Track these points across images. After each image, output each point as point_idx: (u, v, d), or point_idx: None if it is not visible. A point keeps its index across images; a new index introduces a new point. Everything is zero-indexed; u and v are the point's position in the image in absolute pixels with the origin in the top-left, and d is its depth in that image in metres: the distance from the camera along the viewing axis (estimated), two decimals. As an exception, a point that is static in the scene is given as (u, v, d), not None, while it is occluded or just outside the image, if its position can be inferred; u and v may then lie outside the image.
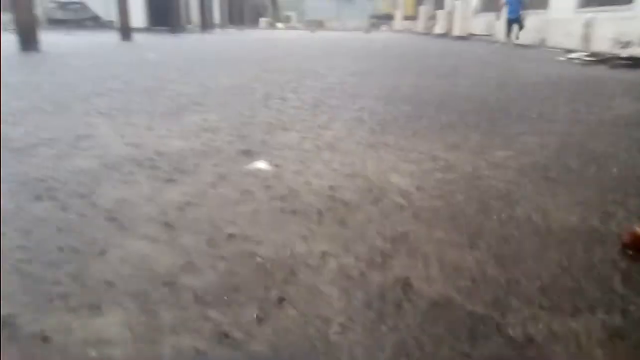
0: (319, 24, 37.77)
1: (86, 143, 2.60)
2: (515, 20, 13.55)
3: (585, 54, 8.56)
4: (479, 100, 4.26)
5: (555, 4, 14.16)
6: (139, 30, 17.43)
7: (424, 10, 25.18)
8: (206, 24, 24.02)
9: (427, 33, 23.33)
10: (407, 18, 34.20)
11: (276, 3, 43.68)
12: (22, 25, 9.15)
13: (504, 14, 14.16)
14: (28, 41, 9.08)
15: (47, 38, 9.90)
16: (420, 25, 25.05)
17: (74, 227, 1.52)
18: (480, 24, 19.50)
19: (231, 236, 1.47)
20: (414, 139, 2.76)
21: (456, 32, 18.37)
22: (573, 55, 8.70)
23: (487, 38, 17.10)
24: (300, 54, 10.29)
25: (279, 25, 38.17)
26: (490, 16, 18.15)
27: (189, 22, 23.46)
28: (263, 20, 36.24)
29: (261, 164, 2.16)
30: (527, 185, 1.99)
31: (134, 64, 7.43)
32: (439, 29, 20.93)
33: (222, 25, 28.94)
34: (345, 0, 44.51)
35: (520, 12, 13.40)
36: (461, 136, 2.86)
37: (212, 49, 11.38)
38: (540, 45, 13.68)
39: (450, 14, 20.08)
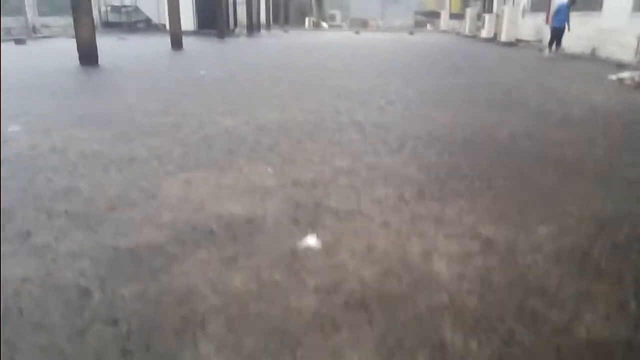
0: (363, 23, 37.72)
1: (149, 204, 2.87)
2: (561, 30, 13.22)
3: (639, 73, 8.30)
4: (511, 147, 4.28)
5: (608, 5, 13.55)
6: (188, 33, 17.99)
7: (470, 12, 24.75)
8: (252, 27, 24.48)
9: (474, 36, 22.97)
10: (453, 16, 33.68)
11: (321, 2, 43.78)
12: (82, 40, 9.69)
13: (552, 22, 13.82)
14: (87, 56, 9.64)
15: (103, 44, 10.39)
16: (466, 26, 24.66)
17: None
18: (529, 27, 19.04)
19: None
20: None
21: (503, 37, 18.03)
22: (625, 74, 8.46)
23: (535, 44, 16.73)
24: (348, 69, 10.43)
25: (324, 24, 38.30)
26: (539, 18, 17.71)
27: (235, 24, 23.97)
28: (308, 20, 36.46)
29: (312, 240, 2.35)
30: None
31: (186, 85, 7.79)
32: (485, 32, 20.56)
33: (267, 26, 29.36)
34: (390, -1, 44.22)
35: (566, 22, 13.05)
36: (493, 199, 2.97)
37: (260, 62, 11.68)
38: (591, 55, 13.26)
39: (498, 17, 19.71)
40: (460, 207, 2.73)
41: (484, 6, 27.97)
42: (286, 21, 35.23)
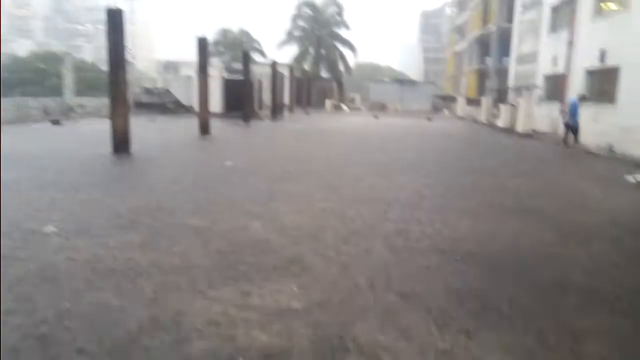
0: (381, 107, 39.06)
1: (177, 329, 2.96)
2: (575, 126, 13.56)
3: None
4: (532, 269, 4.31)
5: (623, 99, 13.83)
6: (215, 115, 18.82)
7: (486, 101, 25.54)
8: (277, 109, 25.53)
9: (490, 124, 23.55)
10: (469, 102, 34.77)
11: (341, 85, 45.70)
12: (116, 129, 10.24)
13: (564, 118, 14.22)
14: (120, 144, 10.14)
15: (134, 126, 10.85)
16: (482, 114, 25.35)
17: None
18: (544, 117, 19.55)
19: None
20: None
21: (520, 127, 18.46)
22: (643, 175, 8.56)
23: (551, 136, 17.07)
24: (366, 161, 10.71)
25: (344, 107, 39.76)
26: (554, 109, 18.19)
27: (261, 107, 25.02)
28: (329, 102, 37.87)
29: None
30: None
31: (212, 178, 8.08)
32: (502, 122, 21.10)
33: (290, 108, 30.56)
34: (408, 83, 45.92)
35: (577, 118, 13.41)
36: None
37: (283, 150, 12.10)
38: (608, 152, 13.41)
39: (514, 108, 20.29)
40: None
41: (499, 95, 28.90)
42: (308, 103, 36.65)
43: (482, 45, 40.77)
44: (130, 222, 4.94)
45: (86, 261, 3.84)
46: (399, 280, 3.67)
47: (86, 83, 32.92)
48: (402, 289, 3.50)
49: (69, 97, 20.58)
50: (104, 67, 10.71)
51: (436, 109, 40.51)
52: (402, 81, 48.65)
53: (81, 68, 39.29)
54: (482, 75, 41.23)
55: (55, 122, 16.72)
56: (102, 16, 10.82)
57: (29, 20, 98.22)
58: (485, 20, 39.31)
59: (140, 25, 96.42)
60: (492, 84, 36.12)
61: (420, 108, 39.78)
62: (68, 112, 20.14)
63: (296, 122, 23.34)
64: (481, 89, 39.63)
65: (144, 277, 3.56)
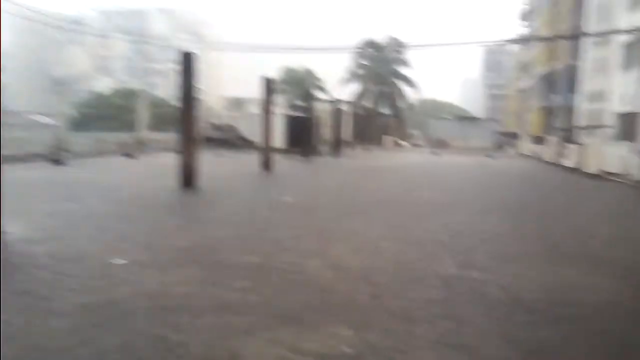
0: (442, 143, 38.67)
1: None
2: None
3: None
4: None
5: None
6: (277, 150, 19.40)
7: (552, 140, 24.73)
8: (337, 146, 25.98)
9: (557, 164, 22.72)
10: (534, 139, 33.74)
11: (402, 122, 45.78)
12: (184, 164, 10.84)
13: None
14: (187, 179, 10.72)
15: (201, 159, 11.41)
16: (548, 153, 24.52)
17: None
18: (614, 157, 18.61)
19: None
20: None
21: (588, 168, 17.70)
22: None
23: (622, 178, 16.21)
24: (427, 198, 10.66)
25: (404, 143, 39.74)
26: (626, 149, 17.31)
27: (321, 143, 25.55)
28: (389, 139, 37.99)
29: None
30: None
31: (273, 213, 8.36)
32: (569, 161, 20.31)
33: (351, 144, 30.94)
34: (470, 120, 45.29)
35: None
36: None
37: (342, 187, 12.29)
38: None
39: (582, 147, 19.53)
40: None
41: (566, 134, 27.91)
42: (369, 139, 36.94)
43: (548, 82, 39.70)
44: (192, 257, 5.21)
45: (149, 295, 4.10)
46: (456, 335, 3.62)
47: (159, 118, 34.98)
48: (462, 342, 3.47)
49: (143, 131, 21.99)
50: (176, 102, 11.46)
51: (499, 147, 39.54)
52: (463, 118, 48.05)
53: (155, 104, 41.87)
54: (547, 112, 40.00)
55: (129, 156, 17.89)
56: (176, 56, 11.63)
57: (112, 60, 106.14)
58: (551, 57, 38.41)
59: (211, 63, 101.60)
60: (559, 122, 34.94)
61: (482, 145, 38.98)
62: (141, 146, 21.49)
63: (356, 159, 23.59)
64: (547, 127, 38.38)
65: (201, 313, 3.75)
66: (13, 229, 5.91)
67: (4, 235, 5.61)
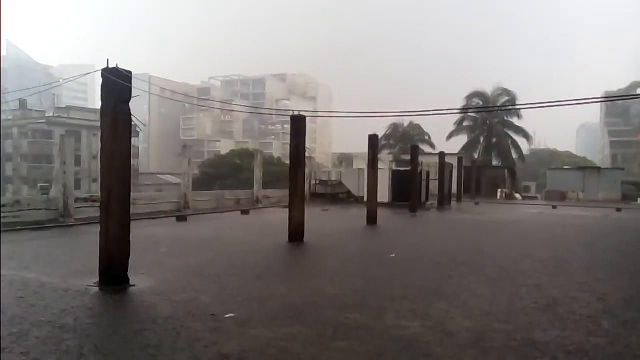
0: (561, 196, 35.91)
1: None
2: None
3: None
4: None
5: None
6: (382, 205, 19.45)
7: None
8: (444, 199, 25.39)
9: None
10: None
11: (514, 174, 43.55)
12: (293, 221, 11.32)
13: None
14: (295, 234, 11.14)
15: (308, 214, 11.76)
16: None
17: None
18: None
19: None
20: None
21: None
22: None
23: None
24: (539, 256, 9.98)
25: (517, 196, 37.60)
26: None
27: (427, 198, 25.15)
28: (500, 191, 36.27)
29: None
30: None
31: (377, 270, 8.36)
32: None
33: (458, 198, 30.02)
34: (592, 170, 41.74)
35: None
36: None
37: (446, 243, 11.96)
38: None
39: None
40: None
41: None
42: (478, 192, 35.58)
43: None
44: (298, 313, 5.38)
45: (256, 347, 4.32)
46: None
47: (272, 176, 37.07)
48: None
49: (257, 189, 23.36)
50: (288, 161, 12.14)
51: (627, 198, 35.71)
52: (584, 168, 44.42)
53: (269, 163, 44.55)
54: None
55: (245, 212, 19.04)
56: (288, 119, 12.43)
57: (232, 123, 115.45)
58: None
59: (321, 122, 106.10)
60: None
61: (607, 197, 35.49)
62: (256, 202, 22.81)
63: (463, 213, 22.79)
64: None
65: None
66: (139, 281, 6.60)
67: (133, 288, 6.31)
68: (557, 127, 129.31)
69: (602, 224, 18.10)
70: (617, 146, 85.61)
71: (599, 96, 45.34)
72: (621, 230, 16.61)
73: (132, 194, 7.07)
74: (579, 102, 10.84)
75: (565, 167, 47.69)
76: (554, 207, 26.05)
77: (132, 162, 7.26)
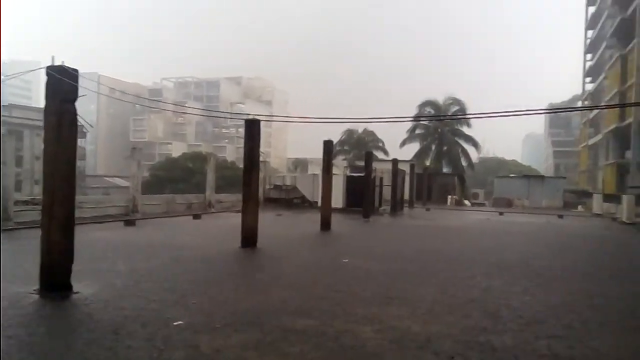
0: (507, 203, 37.35)
1: None
2: None
3: None
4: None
5: None
6: (336, 210, 19.57)
7: (628, 199, 23.30)
8: (396, 205, 25.82)
9: (632, 223, 21.31)
10: (607, 198, 31.94)
11: (464, 181, 44.93)
12: (246, 226, 11.19)
13: None
14: (248, 239, 11.00)
15: (262, 220, 11.69)
16: (624, 212, 23.05)
17: None
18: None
19: None
20: None
21: (671, 229, 16.44)
22: None
23: None
24: (488, 261, 10.29)
25: (466, 202, 38.78)
26: None
27: (380, 203, 25.51)
28: (450, 198, 37.29)
29: None
30: None
31: (329, 275, 8.38)
32: (648, 222, 18.99)
33: (410, 204, 30.64)
34: (536, 178, 43.71)
35: None
36: None
37: (398, 248, 12.14)
38: None
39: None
40: None
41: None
42: (429, 199, 36.42)
43: (621, 138, 37.96)
44: (250, 320, 5.30)
45: (205, 356, 4.22)
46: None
47: (226, 180, 36.56)
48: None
49: (210, 193, 22.95)
50: (242, 165, 12.02)
51: (568, 205, 37.61)
52: (529, 176, 46.42)
53: (222, 166, 43.91)
54: (621, 169, 37.94)
55: (197, 217, 18.67)
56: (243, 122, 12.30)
57: (184, 126, 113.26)
58: (623, 112, 36.89)
59: (276, 126, 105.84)
60: (634, 179, 32.99)
61: (550, 204, 37.26)
62: (208, 207, 22.40)
63: (415, 218, 23.28)
64: (620, 184, 36.31)
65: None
66: (82, 288, 6.32)
67: (76, 295, 6.04)
68: (505, 136, 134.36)
69: (545, 230, 18.91)
70: (560, 156, 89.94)
71: (543, 108, 47.56)
72: (562, 235, 17.40)
73: (77, 196, 6.78)
74: (524, 112, 11.32)
75: (512, 175, 49.62)
76: (501, 214, 27.01)
77: (78, 164, 6.98)
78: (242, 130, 12.80)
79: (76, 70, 6.61)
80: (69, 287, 6.20)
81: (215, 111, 78.93)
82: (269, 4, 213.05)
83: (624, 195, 24.62)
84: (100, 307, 5.63)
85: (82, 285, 6.38)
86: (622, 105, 35.71)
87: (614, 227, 21.18)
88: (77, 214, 6.70)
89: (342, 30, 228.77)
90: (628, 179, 34.58)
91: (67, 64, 6.47)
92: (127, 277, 7.35)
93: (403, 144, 50.02)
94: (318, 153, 17.43)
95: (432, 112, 49.10)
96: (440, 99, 49.80)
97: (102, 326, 4.95)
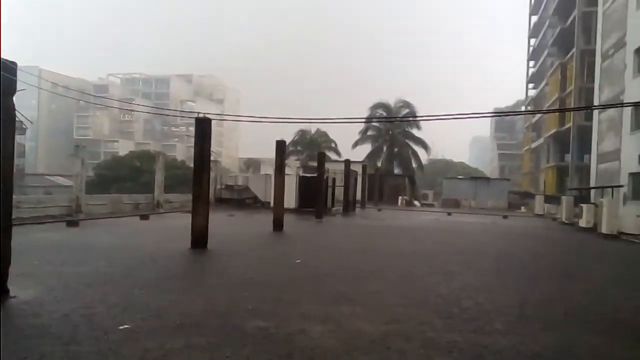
0: (455, 203, 38.56)
1: None
2: None
3: None
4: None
5: None
6: (289, 210, 19.53)
7: (567, 200, 24.55)
8: (348, 205, 26.08)
9: (572, 224, 22.45)
10: (548, 199, 33.51)
11: (414, 182, 45.95)
12: (196, 227, 10.95)
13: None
14: (198, 240, 10.78)
15: (213, 220, 11.49)
16: (563, 213, 24.27)
17: None
18: (631, 217, 18.46)
19: None
20: None
21: (604, 228, 17.44)
22: None
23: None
24: (437, 263, 10.54)
25: (416, 203, 39.72)
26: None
27: (333, 204, 25.67)
28: (401, 198, 38.03)
29: None
30: None
31: (282, 276, 8.34)
32: (584, 222, 20.06)
33: (362, 204, 31.01)
34: (482, 180, 45.33)
35: None
36: None
37: (351, 247, 12.25)
38: None
39: (597, 207, 19.33)
40: None
41: (581, 193, 27.72)
42: (380, 199, 37.00)
43: (561, 142, 39.99)
44: (199, 323, 5.17)
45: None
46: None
47: (175, 179, 35.71)
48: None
49: (158, 193, 22.36)
50: (192, 164, 11.76)
51: (512, 206, 39.26)
52: (476, 178, 48.10)
53: (172, 166, 42.89)
54: (561, 172, 39.99)
55: (144, 217, 18.11)
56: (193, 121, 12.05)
57: (132, 123, 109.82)
58: (562, 117, 38.85)
59: (228, 125, 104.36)
60: (572, 181, 34.84)
61: (495, 205, 38.76)
62: (156, 207, 21.80)
63: (367, 218, 23.58)
64: (560, 186, 38.27)
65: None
66: (20, 292, 5.99)
67: (13, 300, 5.71)
68: (453, 139, 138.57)
69: (490, 230, 19.62)
70: (504, 158, 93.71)
71: (489, 112, 49.39)
72: (505, 235, 18.11)
73: (15, 196, 6.42)
74: (471, 116, 11.72)
75: (459, 177, 51.25)
76: (449, 214, 27.80)
77: (16, 162, 6.60)
78: (192, 129, 12.51)
79: (14, 64, 6.26)
80: (5, 292, 5.86)
81: (165, 109, 76.96)
82: (222, 1, 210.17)
83: (563, 197, 25.93)
84: (38, 312, 5.34)
85: (20, 290, 6.05)
86: (562, 110, 37.60)
87: (553, 227, 22.25)
88: (15, 214, 6.34)
89: (296, 30, 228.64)
90: (567, 181, 36.48)
91: (4, 57, 6.09)
92: (69, 281, 7.01)
93: (355, 145, 50.61)
94: (271, 153, 17.33)
95: (384, 114, 49.93)
96: (392, 101, 50.77)
97: (40, 332, 4.70)
